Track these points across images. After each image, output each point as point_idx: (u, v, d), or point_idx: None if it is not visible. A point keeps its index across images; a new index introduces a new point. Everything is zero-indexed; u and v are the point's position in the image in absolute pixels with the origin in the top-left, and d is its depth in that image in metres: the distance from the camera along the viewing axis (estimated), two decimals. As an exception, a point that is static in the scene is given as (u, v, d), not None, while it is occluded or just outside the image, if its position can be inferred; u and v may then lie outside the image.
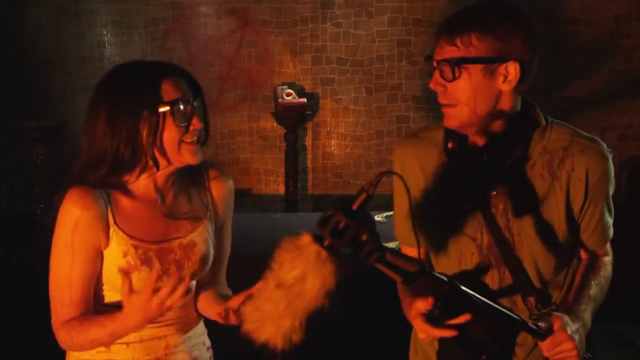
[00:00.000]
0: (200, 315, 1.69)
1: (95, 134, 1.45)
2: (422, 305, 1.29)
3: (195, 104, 1.49)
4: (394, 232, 1.71)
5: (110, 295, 1.52)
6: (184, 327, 1.63)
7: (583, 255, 1.64)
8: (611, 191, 1.56)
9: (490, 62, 1.41)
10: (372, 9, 5.78)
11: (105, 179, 1.47)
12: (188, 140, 1.47)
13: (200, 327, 1.70)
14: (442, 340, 1.52)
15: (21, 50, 5.57)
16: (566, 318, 1.38)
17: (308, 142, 5.95)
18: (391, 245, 3.00)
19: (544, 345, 1.36)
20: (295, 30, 5.83)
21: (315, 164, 5.97)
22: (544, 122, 1.53)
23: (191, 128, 1.47)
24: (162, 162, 1.48)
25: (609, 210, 1.58)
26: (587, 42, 5.76)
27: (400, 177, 1.23)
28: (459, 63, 1.40)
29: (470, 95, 1.43)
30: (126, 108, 1.43)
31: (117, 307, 1.48)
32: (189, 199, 1.59)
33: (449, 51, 1.42)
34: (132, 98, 1.43)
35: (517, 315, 1.35)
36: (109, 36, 5.82)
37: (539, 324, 1.37)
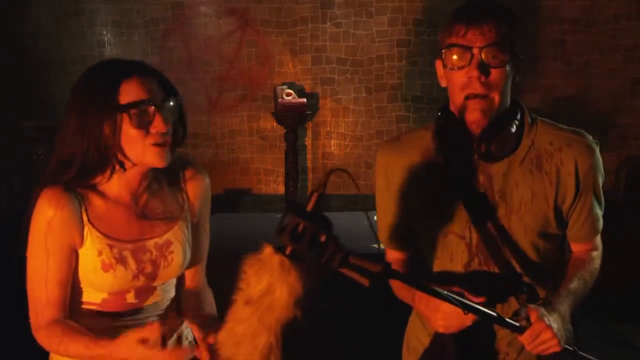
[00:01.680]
0: (181, 314, 1.70)
1: (67, 134, 1.46)
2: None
3: (163, 105, 1.46)
4: (379, 236, 1.68)
5: (88, 292, 1.53)
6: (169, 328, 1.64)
7: (573, 248, 1.64)
8: (600, 182, 1.57)
9: (519, 54, 1.48)
10: (372, 9, 5.78)
11: (76, 179, 1.47)
12: (151, 142, 1.45)
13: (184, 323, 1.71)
14: (435, 337, 1.52)
15: (21, 50, 5.57)
16: (542, 310, 1.39)
17: (308, 142, 5.96)
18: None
19: (524, 339, 1.37)
20: (295, 30, 5.83)
21: (315, 164, 5.97)
22: (529, 119, 1.55)
23: (153, 130, 1.44)
24: (127, 163, 1.48)
25: (599, 202, 1.58)
26: (587, 41, 5.76)
27: (349, 173, 1.22)
28: (512, 47, 1.44)
29: (505, 84, 1.47)
30: (91, 108, 1.43)
31: (93, 315, 1.50)
32: (164, 199, 1.59)
33: (495, 37, 1.43)
34: (95, 99, 1.43)
35: (493, 311, 1.35)
36: (108, 36, 5.82)
37: (516, 317, 1.38)
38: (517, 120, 1.52)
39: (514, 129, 1.50)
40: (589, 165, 1.52)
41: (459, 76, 1.46)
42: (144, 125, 1.44)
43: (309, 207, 1.11)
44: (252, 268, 1.09)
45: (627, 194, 5.37)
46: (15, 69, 5.50)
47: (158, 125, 1.44)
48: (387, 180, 1.62)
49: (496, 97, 1.45)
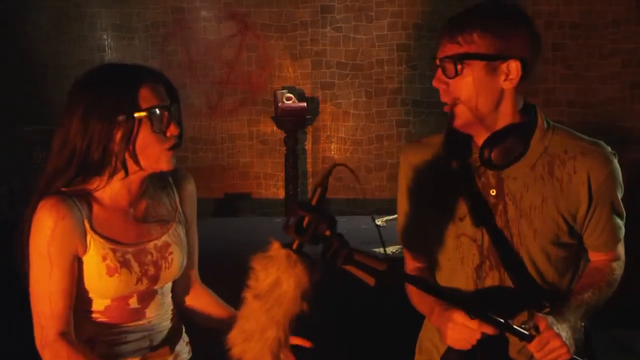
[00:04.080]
0: (179, 317, 1.71)
1: (69, 135, 1.46)
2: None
3: (172, 109, 1.49)
4: (398, 237, 1.71)
5: (92, 299, 1.53)
6: (171, 339, 1.66)
7: (592, 257, 1.62)
8: (619, 194, 1.57)
9: (492, 59, 1.44)
10: (372, 14, 5.78)
11: (73, 184, 1.47)
12: (165, 147, 1.47)
13: (180, 325, 1.73)
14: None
15: (21, 54, 5.58)
16: (551, 318, 1.38)
17: (308, 146, 5.96)
18: (393, 249, 3.01)
19: (533, 347, 1.37)
20: (295, 35, 5.83)
21: (315, 168, 5.97)
22: (545, 125, 1.54)
23: (168, 134, 1.47)
24: (132, 167, 1.48)
25: (618, 214, 1.58)
26: (586, 46, 5.77)
27: (352, 170, 1.23)
28: (461, 59, 1.44)
29: (472, 93, 1.46)
30: (102, 111, 1.43)
31: (98, 322, 1.51)
32: (157, 202, 1.61)
33: (452, 49, 1.46)
34: (109, 102, 1.43)
35: (501, 318, 1.34)
36: (109, 40, 5.82)
37: (524, 326, 1.38)
38: (523, 126, 1.51)
39: (519, 135, 1.50)
40: (605, 177, 1.52)
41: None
42: (162, 129, 1.46)
43: (314, 202, 1.14)
44: (260, 264, 1.11)
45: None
46: (16, 73, 5.51)
47: (172, 129, 1.47)
48: (407, 179, 1.65)
49: (465, 106, 1.47)
